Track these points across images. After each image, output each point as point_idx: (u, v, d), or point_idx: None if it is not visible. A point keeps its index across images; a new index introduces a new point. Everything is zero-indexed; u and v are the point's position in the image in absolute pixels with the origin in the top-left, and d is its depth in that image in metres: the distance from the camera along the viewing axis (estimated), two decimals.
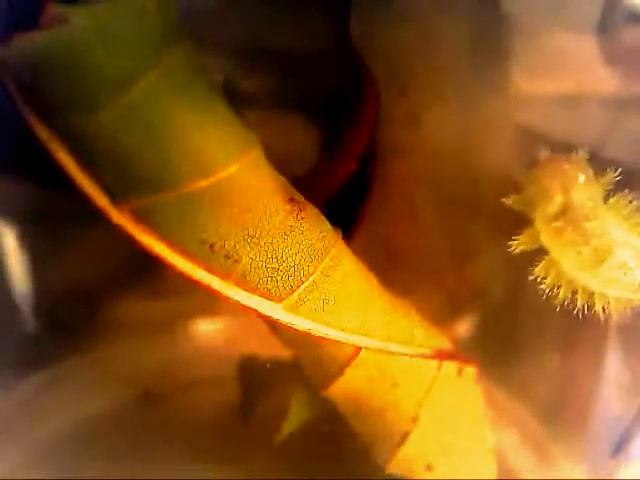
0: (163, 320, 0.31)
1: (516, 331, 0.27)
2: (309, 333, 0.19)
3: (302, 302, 0.19)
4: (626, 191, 0.17)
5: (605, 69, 0.23)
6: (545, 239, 0.17)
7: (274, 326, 0.19)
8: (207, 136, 0.17)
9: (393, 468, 0.22)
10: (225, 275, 0.18)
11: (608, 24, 0.22)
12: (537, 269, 0.17)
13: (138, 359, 0.29)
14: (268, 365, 0.26)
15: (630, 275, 0.17)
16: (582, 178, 0.17)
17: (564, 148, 0.17)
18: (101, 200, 0.17)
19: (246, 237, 0.18)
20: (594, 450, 0.28)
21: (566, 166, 0.17)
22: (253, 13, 0.25)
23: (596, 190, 0.17)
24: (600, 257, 0.17)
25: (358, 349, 0.20)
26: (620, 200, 0.17)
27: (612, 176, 0.17)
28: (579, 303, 0.17)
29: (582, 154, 0.17)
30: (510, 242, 0.17)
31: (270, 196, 0.18)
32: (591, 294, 0.17)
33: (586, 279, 0.17)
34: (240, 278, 0.18)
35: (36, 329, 0.28)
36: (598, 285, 0.17)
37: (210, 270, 0.18)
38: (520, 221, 0.17)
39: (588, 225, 0.17)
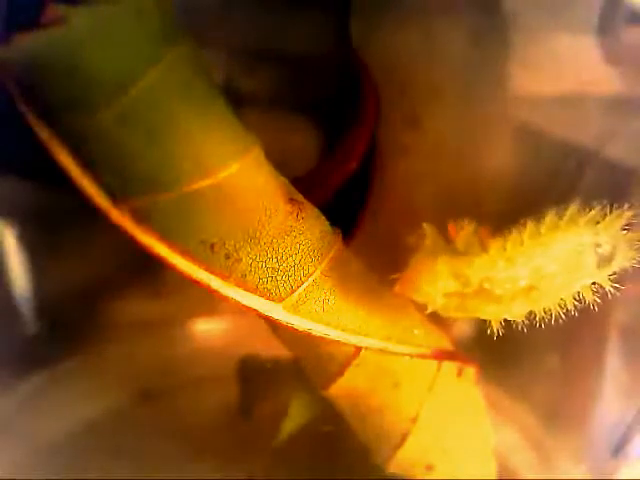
0: (163, 320, 0.31)
1: (516, 331, 0.27)
2: (309, 333, 0.19)
3: (302, 302, 0.18)
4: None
5: (605, 69, 0.23)
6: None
7: (274, 326, 0.19)
8: (207, 136, 0.17)
9: (393, 468, 0.22)
10: (225, 275, 0.18)
11: (608, 24, 0.22)
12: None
13: (138, 359, 0.29)
14: (268, 365, 0.26)
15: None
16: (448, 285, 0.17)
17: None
18: (101, 200, 0.17)
19: (246, 237, 0.18)
20: (594, 450, 0.28)
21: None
22: (254, 14, 0.25)
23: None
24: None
25: (358, 349, 0.20)
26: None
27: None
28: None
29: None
30: None
31: (270, 196, 0.18)
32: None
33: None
34: (240, 278, 0.18)
35: (36, 329, 0.28)
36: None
37: (210, 270, 0.18)
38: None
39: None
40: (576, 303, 0.17)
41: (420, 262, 0.17)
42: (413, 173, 0.26)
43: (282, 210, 0.18)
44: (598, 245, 0.17)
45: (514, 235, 0.17)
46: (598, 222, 0.17)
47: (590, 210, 0.17)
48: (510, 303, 0.17)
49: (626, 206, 0.17)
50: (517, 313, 0.17)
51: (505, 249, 0.17)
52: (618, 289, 0.17)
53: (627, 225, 0.17)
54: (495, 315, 0.17)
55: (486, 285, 0.17)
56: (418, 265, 0.17)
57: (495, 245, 0.17)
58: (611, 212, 0.17)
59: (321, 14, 0.25)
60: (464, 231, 0.17)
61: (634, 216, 0.17)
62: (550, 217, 0.17)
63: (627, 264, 0.18)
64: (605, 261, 0.17)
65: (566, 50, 0.23)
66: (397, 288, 0.17)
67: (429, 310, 0.17)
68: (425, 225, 0.17)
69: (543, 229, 0.17)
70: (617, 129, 0.23)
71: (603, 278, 0.17)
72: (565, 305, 0.17)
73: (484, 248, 0.16)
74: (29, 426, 0.27)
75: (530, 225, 0.17)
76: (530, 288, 0.17)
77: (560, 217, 0.17)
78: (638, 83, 0.23)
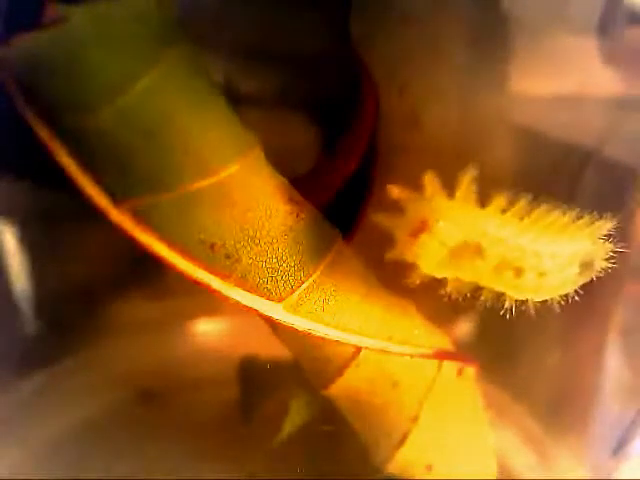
0: (163, 320, 0.31)
1: (516, 331, 0.27)
2: (309, 333, 0.19)
3: (302, 302, 0.19)
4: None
5: (605, 69, 0.23)
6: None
7: (274, 326, 0.19)
8: (207, 136, 0.17)
9: (393, 468, 0.22)
10: (225, 275, 0.18)
11: (609, 24, 0.22)
12: None
13: (138, 359, 0.29)
14: (268, 365, 0.26)
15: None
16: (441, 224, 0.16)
17: None
18: (101, 200, 0.17)
19: (246, 237, 0.18)
20: (594, 450, 0.28)
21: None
22: (254, 14, 0.25)
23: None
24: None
25: (358, 349, 0.20)
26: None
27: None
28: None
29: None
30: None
31: (270, 196, 0.18)
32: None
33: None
34: (240, 278, 0.18)
35: (36, 329, 0.28)
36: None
37: (210, 270, 0.18)
38: None
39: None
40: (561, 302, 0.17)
41: (421, 211, 0.16)
42: (413, 173, 0.26)
43: (282, 210, 0.18)
44: (586, 254, 0.17)
45: (519, 207, 0.17)
46: (584, 230, 0.17)
47: (581, 218, 0.17)
48: (493, 269, 0.17)
49: (609, 215, 0.17)
50: (500, 285, 0.17)
51: (503, 211, 0.16)
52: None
53: (605, 235, 0.17)
54: (480, 279, 0.17)
55: (479, 240, 0.16)
56: (420, 214, 0.16)
57: (495, 204, 0.16)
58: (595, 221, 0.17)
59: (321, 14, 0.25)
60: (464, 184, 0.17)
61: (614, 227, 0.17)
62: (558, 214, 0.17)
63: (595, 275, 0.18)
64: (585, 269, 0.17)
65: (566, 50, 0.23)
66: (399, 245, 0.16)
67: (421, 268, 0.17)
68: (427, 175, 0.17)
69: (546, 223, 0.17)
70: (617, 129, 0.23)
71: (577, 284, 0.17)
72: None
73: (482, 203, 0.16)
74: (29, 426, 0.27)
75: (538, 209, 0.17)
76: (512, 265, 0.17)
77: (559, 219, 0.17)
78: (638, 83, 0.23)
